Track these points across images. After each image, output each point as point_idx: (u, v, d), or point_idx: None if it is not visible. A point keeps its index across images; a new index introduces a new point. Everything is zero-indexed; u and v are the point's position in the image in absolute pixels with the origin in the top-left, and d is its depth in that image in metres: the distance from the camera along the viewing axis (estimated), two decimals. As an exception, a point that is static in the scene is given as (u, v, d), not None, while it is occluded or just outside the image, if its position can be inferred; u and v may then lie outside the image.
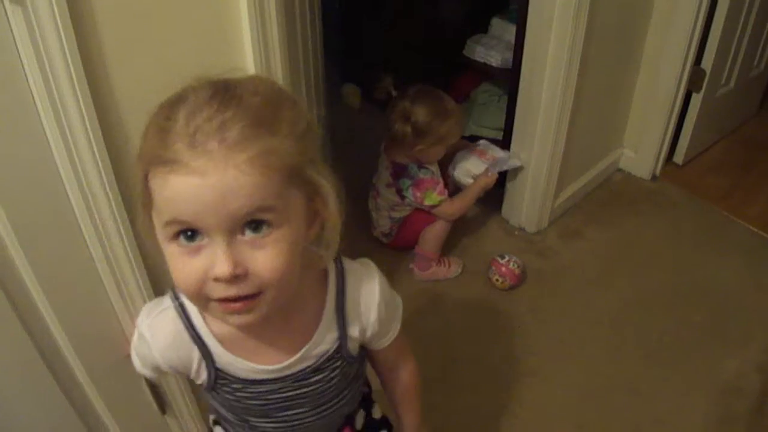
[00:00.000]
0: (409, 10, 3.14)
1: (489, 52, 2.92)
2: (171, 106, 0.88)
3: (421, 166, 2.52)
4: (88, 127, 1.14)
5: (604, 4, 2.40)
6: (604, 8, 2.41)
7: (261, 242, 0.90)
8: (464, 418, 2.18)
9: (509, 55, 2.76)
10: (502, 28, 3.01)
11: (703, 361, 2.38)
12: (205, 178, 0.84)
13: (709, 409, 2.23)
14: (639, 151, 3.16)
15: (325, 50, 2.82)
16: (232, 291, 0.91)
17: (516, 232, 2.88)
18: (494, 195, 2.81)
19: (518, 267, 2.57)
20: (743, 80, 3.29)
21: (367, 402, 1.42)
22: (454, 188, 2.69)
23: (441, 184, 2.54)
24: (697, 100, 3.05)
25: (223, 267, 0.87)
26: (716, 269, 2.75)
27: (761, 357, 2.40)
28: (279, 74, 1.42)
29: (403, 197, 2.55)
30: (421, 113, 2.43)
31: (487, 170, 2.59)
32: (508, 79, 2.69)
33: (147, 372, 1.21)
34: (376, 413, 1.45)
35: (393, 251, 2.73)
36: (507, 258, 2.57)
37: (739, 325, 2.52)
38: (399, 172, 2.54)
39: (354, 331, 1.17)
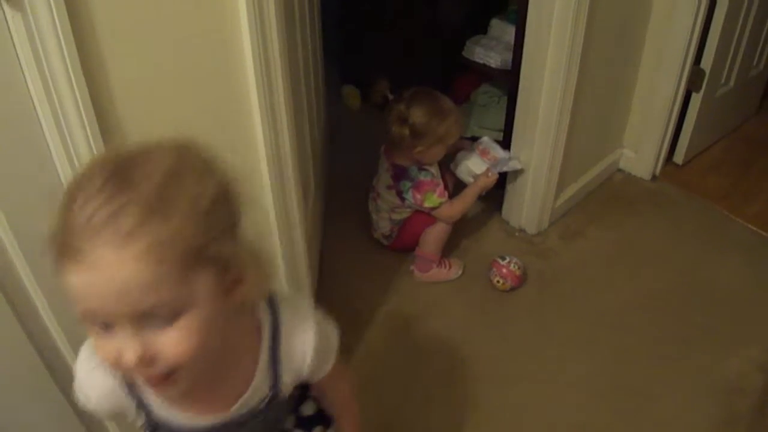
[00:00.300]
0: (409, 12, 3.14)
1: (488, 53, 2.92)
2: (70, 192, 0.84)
3: (421, 168, 2.52)
4: (88, 132, 1.14)
5: (603, 4, 2.40)
6: (603, 8, 2.41)
7: (168, 328, 0.87)
8: (466, 420, 2.18)
9: (509, 56, 2.76)
10: (502, 29, 3.01)
11: (705, 361, 2.37)
12: (100, 273, 0.81)
13: (711, 409, 2.22)
14: (639, 151, 3.16)
15: (324, 52, 2.83)
16: (145, 373, 0.89)
17: (516, 233, 2.88)
18: (494, 196, 2.81)
19: (519, 268, 2.57)
20: (743, 80, 3.29)
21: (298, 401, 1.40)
22: (455, 187, 2.69)
23: (441, 186, 2.54)
24: (696, 99, 3.05)
25: (129, 355, 0.85)
26: (717, 268, 2.75)
27: (763, 356, 2.40)
28: (279, 77, 1.42)
29: (403, 199, 2.55)
30: (418, 114, 2.44)
31: (487, 170, 2.59)
32: (508, 80, 2.69)
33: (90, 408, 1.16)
34: (307, 410, 1.40)
35: (393, 253, 2.73)
36: (508, 259, 2.57)
37: (741, 324, 2.51)
38: (399, 174, 2.54)
39: (288, 378, 1.15)
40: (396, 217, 2.61)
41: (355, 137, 3.31)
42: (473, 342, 2.42)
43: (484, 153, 2.63)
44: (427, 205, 2.52)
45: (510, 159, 2.65)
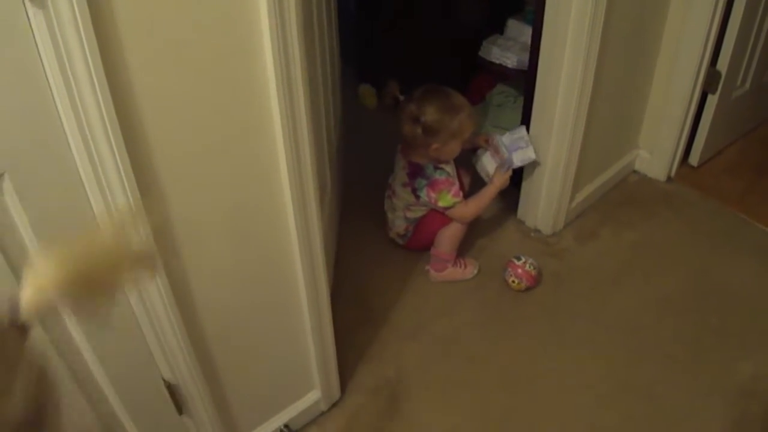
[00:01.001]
0: (425, 12, 3.15)
1: (505, 53, 2.93)
2: None
3: (437, 167, 2.53)
4: (110, 133, 1.15)
5: (619, 6, 2.40)
6: (619, 10, 2.41)
7: None
8: (480, 418, 2.19)
9: (525, 57, 2.77)
10: (518, 30, 3.02)
11: (719, 364, 2.37)
12: None
13: (725, 411, 2.22)
14: (654, 153, 3.16)
15: (341, 52, 2.84)
16: None
17: (532, 234, 2.88)
18: (510, 196, 2.82)
19: (534, 268, 2.57)
20: (758, 82, 3.27)
21: None
22: (472, 186, 2.70)
23: (456, 186, 2.54)
24: (712, 101, 3.04)
25: None
26: (732, 271, 2.75)
27: (777, 360, 2.40)
28: (299, 81, 1.43)
29: (418, 197, 2.56)
30: (430, 112, 2.45)
31: (498, 169, 2.60)
32: (524, 81, 2.69)
33: None
34: None
35: (408, 252, 2.74)
36: (523, 259, 2.57)
37: (755, 327, 2.51)
38: (415, 172, 2.55)
39: None
40: (411, 215, 2.62)
41: (372, 136, 3.32)
42: (487, 342, 2.43)
43: (495, 151, 2.63)
44: (441, 204, 2.53)
45: (524, 149, 2.65)
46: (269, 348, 1.86)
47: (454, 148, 2.51)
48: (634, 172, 3.25)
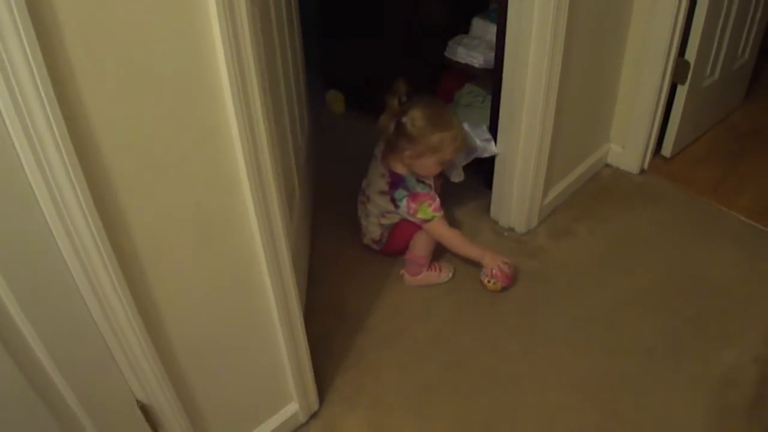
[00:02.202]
0: (389, 14, 3.12)
1: (471, 53, 2.90)
2: None
3: (419, 180, 2.50)
4: (72, 175, 1.13)
5: (583, 2, 2.39)
6: (584, 6, 2.40)
7: None
8: (462, 423, 2.16)
9: (491, 55, 2.74)
10: (483, 28, 2.99)
11: (700, 355, 2.36)
12: None
13: (708, 402, 2.21)
14: (626, 146, 3.15)
15: (307, 59, 2.81)
16: None
17: (506, 233, 2.86)
18: (483, 196, 2.79)
19: (509, 268, 2.55)
20: (728, 70, 3.27)
21: None
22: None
23: (438, 201, 2.51)
24: (682, 92, 3.03)
25: None
26: (709, 261, 2.75)
27: (758, 348, 2.39)
28: (255, 87, 1.40)
29: (397, 206, 2.53)
30: (415, 116, 2.41)
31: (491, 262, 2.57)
32: (491, 80, 2.67)
33: None
34: None
35: (383, 258, 2.71)
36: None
37: (735, 316, 2.51)
38: (396, 182, 2.51)
39: None
40: (386, 222, 2.59)
41: (341, 142, 3.30)
42: (466, 344, 2.40)
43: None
44: (420, 216, 2.50)
45: (486, 143, 2.66)
46: (243, 363, 1.83)
47: (429, 164, 2.47)
48: (607, 166, 3.24)
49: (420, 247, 2.59)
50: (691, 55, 2.91)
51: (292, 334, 1.89)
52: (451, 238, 2.57)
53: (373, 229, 2.65)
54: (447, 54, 3.00)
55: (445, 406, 2.20)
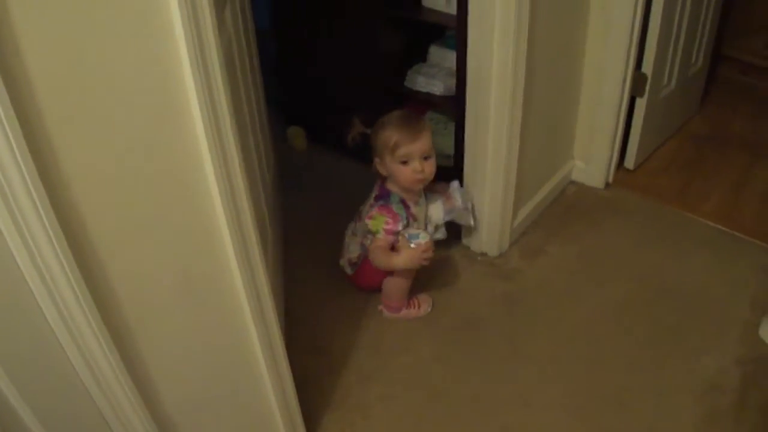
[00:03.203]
0: (345, 47, 3.13)
1: (431, 81, 2.91)
2: None
3: (402, 200, 2.47)
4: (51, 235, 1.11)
5: (542, 22, 2.41)
6: (542, 27, 2.43)
7: None
8: (453, 454, 2.15)
9: (451, 83, 2.75)
10: (441, 56, 3.00)
11: (683, 362, 2.39)
12: None
13: (695, 408, 2.24)
14: (590, 162, 3.17)
15: (267, 96, 2.80)
16: None
17: (479, 258, 2.86)
18: (453, 223, 2.78)
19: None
20: (683, 79, 3.33)
21: None
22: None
23: (397, 227, 2.44)
24: (641, 104, 3.08)
25: None
26: (681, 268, 2.78)
27: (737, 350, 2.42)
28: (230, 135, 1.39)
29: (368, 212, 2.50)
30: (376, 123, 2.44)
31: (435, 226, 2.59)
32: (453, 106, 2.68)
33: None
34: None
35: (360, 294, 2.69)
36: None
37: (712, 320, 2.54)
38: (381, 195, 2.49)
39: None
40: (367, 243, 2.54)
41: (303, 177, 3.29)
42: (450, 372, 2.40)
43: (447, 199, 2.61)
44: (371, 225, 2.45)
45: (464, 209, 2.65)
46: (233, 412, 1.81)
47: (400, 170, 2.41)
48: (572, 182, 3.26)
49: (393, 295, 2.56)
50: (647, 67, 2.95)
51: (279, 377, 1.87)
52: (381, 261, 2.47)
53: (353, 248, 2.61)
54: (407, 84, 3.00)
55: (435, 436, 2.20)
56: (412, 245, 2.41)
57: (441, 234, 2.66)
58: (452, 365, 2.42)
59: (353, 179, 3.11)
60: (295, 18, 3.29)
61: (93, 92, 1.13)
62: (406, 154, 2.37)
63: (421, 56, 3.09)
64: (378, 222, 2.44)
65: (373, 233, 2.45)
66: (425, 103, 3.08)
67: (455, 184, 2.65)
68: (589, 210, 3.11)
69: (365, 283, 2.66)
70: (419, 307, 2.62)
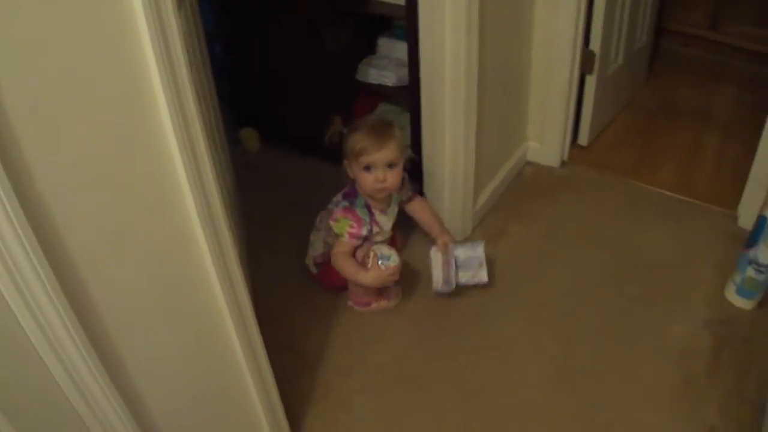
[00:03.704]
0: (294, 45, 3.12)
1: (382, 72, 2.91)
2: None
3: (367, 206, 2.47)
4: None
5: (491, 8, 2.44)
6: (492, 12, 2.45)
7: None
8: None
9: (403, 73, 2.77)
10: (390, 47, 3.01)
11: (654, 329, 2.44)
12: None
13: (670, 374, 2.29)
14: (544, 141, 3.21)
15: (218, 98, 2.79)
16: None
17: (442, 244, 2.87)
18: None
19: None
20: (629, 54, 3.39)
21: None
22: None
23: (360, 232, 2.45)
24: (591, 81, 3.12)
25: None
26: (643, 238, 2.83)
27: (706, 313, 2.49)
28: (197, 129, 1.39)
29: (331, 211, 2.50)
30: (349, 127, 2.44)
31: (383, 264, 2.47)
32: (407, 96, 2.69)
33: None
34: None
35: (327, 291, 2.68)
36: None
37: (677, 287, 2.60)
38: (350, 193, 2.49)
39: None
40: (331, 241, 2.54)
41: (258, 178, 3.28)
42: (427, 360, 2.41)
43: (446, 262, 2.56)
44: (335, 228, 2.45)
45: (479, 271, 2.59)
46: (217, 416, 1.80)
47: (358, 175, 2.42)
48: (528, 163, 3.30)
49: (359, 293, 2.56)
50: (595, 44, 2.99)
51: (262, 379, 1.87)
52: (341, 267, 2.48)
53: (317, 245, 2.60)
54: (358, 77, 3.01)
55: (422, 425, 2.21)
56: (382, 266, 2.42)
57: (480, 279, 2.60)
58: (428, 353, 2.44)
59: (310, 177, 3.14)
60: (241, 18, 3.27)
61: (63, 103, 1.12)
62: (369, 162, 2.36)
63: (371, 48, 3.09)
64: (342, 225, 2.44)
65: (338, 235, 2.46)
66: (378, 94, 3.09)
67: (456, 248, 2.60)
68: (547, 189, 3.15)
69: (330, 282, 2.65)
70: (389, 299, 2.62)
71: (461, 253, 2.58)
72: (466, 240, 2.80)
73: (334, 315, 2.60)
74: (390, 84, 2.91)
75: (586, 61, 3.02)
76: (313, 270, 2.67)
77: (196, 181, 1.42)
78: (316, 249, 2.62)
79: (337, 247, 2.47)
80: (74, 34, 1.10)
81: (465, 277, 2.56)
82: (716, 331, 2.41)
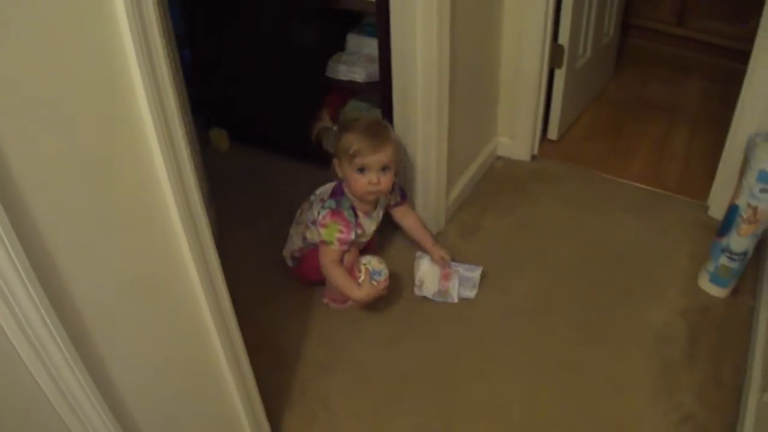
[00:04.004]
0: (262, 43, 3.11)
1: (352, 68, 2.91)
2: None
3: (353, 207, 2.43)
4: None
5: (462, 3, 2.45)
6: (463, 7, 2.46)
7: None
8: (423, 428, 2.18)
9: (373, 69, 2.77)
10: (359, 43, 3.01)
11: (630, 319, 2.47)
12: None
13: (648, 362, 2.32)
14: (515, 136, 3.23)
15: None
16: None
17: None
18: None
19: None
20: (597, 49, 3.42)
21: None
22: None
23: (350, 237, 2.41)
24: (560, 75, 3.14)
25: None
26: (615, 230, 2.86)
27: (681, 302, 2.52)
28: (177, 127, 1.38)
29: (318, 213, 2.44)
30: (340, 124, 2.42)
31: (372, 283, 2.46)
32: (377, 92, 2.70)
33: None
34: None
35: (304, 287, 2.67)
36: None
37: (652, 276, 2.63)
38: (336, 193, 2.45)
39: None
40: (309, 237, 2.52)
41: (228, 179, 3.26)
42: (403, 354, 2.41)
43: (445, 276, 2.58)
44: (323, 235, 2.40)
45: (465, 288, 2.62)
46: (198, 414, 1.79)
47: (354, 178, 2.36)
48: (499, 158, 3.31)
49: (336, 290, 2.53)
50: (564, 38, 3.02)
51: (242, 376, 1.86)
52: (336, 275, 2.43)
53: (296, 240, 2.58)
54: (328, 73, 3.00)
55: (401, 418, 2.21)
56: (374, 282, 2.42)
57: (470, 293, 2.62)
58: (405, 347, 2.44)
59: (281, 175, 3.13)
60: (210, 15, 3.26)
61: (42, 98, 1.11)
62: (364, 164, 2.33)
63: (339, 45, 3.09)
64: (331, 231, 2.39)
65: (327, 243, 2.41)
66: (348, 91, 3.09)
67: (457, 268, 2.62)
68: (519, 183, 3.16)
69: (306, 277, 2.64)
70: None
71: (463, 271, 2.60)
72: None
73: (309, 310, 2.59)
74: (360, 80, 2.91)
75: (555, 56, 3.04)
76: (290, 263, 2.66)
77: (176, 177, 1.41)
78: (294, 243, 2.60)
79: (327, 256, 2.43)
80: (55, 28, 1.09)
81: (459, 294, 2.59)
82: (691, 319, 2.44)
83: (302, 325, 2.53)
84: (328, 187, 2.52)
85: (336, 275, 2.42)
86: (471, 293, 2.59)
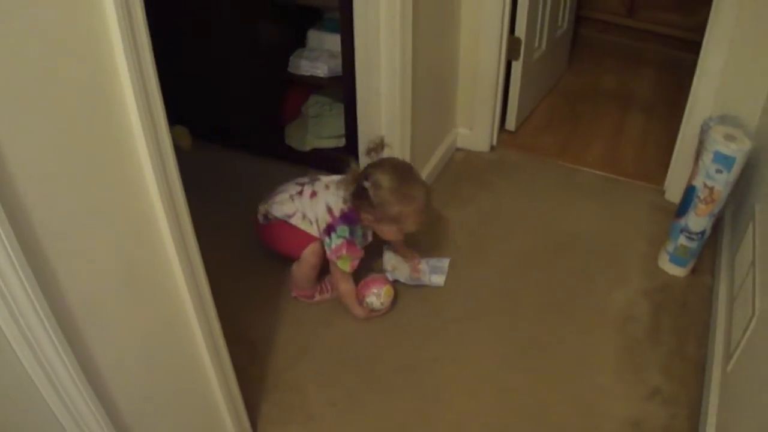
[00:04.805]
0: (223, 39, 3.11)
1: (314, 64, 2.94)
2: None
3: (364, 235, 2.49)
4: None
5: (423, 3, 2.50)
6: (423, 4, 2.52)
7: None
8: (398, 412, 2.21)
9: (335, 64, 2.81)
10: (320, 39, 3.05)
11: (594, 301, 2.54)
12: None
13: (614, 340, 2.38)
14: (474, 127, 3.28)
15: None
16: None
17: (382, 231, 2.91)
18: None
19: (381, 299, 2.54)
20: (552, 41, 3.51)
21: None
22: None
23: (358, 260, 2.45)
24: (517, 67, 3.21)
25: None
26: (576, 216, 2.94)
27: (643, 282, 2.60)
28: (160, 115, 1.40)
29: (328, 236, 2.41)
30: (380, 182, 2.27)
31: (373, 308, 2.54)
32: (339, 87, 2.73)
33: None
34: None
35: (271, 272, 2.69)
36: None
37: (614, 259, 2.71)
38: (349, 219, 2.41)
39: None
40: (283, 209, 2.49)
41: (193, 177, 3.26)
42: (375, 340, 2.45)
43: (414, 270, 2.65)
44: (339, 263, 2.42)
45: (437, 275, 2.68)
46: (178, 404, 1.80)
47: (389, 231, 2.41)
48: (459, 149, 3.36)
49: (302, 282, 2.56)
50: (521, 31, 3.09)
51: (222, 367, 1.88)
52: (346, 292, 2.50)
53: (276, 208, 2.51)
54: (290, 69, 3.03)
55: (376, 402, 2.24)
56: (373, 312, 2.52)
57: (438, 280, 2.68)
58: (375, 333, 2.47)
59: (245, 171, 3.14)
60: (171, 17, 3.25)
61: (28, 87, 1.12)
62: (405, 228, 2.37)
63: (300, 41, 3.12)
64: (345, 262, 2.42)
65: (341, 270, 2.44)
66: (309, 86, 3.12)
67: (425, 264, 2.69)
68: (479, 173, 3.22)
69: (268, 242, 2.64)
70: (330, 291, 2.63)
71: (433, 262, 2.70)
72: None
73: (278, 301, 2.61)
74: (322, 75, 2.95)
75: (512, 48, 3.11)
76: (261, 219, 2.60)
77: (158, 165, 1.43)
78: (275, 210, 2.51)
79: (344, 283, 2.48)
80: (40, 18, 1.11)
81: (435, 279, 2.66)
82: (654, 298, 2.52)
83: (271, 316, 2.55)
84: (335, 178, 2.48)
85: (344, 290, 2.50)
86: (440, 280, 2.64)
